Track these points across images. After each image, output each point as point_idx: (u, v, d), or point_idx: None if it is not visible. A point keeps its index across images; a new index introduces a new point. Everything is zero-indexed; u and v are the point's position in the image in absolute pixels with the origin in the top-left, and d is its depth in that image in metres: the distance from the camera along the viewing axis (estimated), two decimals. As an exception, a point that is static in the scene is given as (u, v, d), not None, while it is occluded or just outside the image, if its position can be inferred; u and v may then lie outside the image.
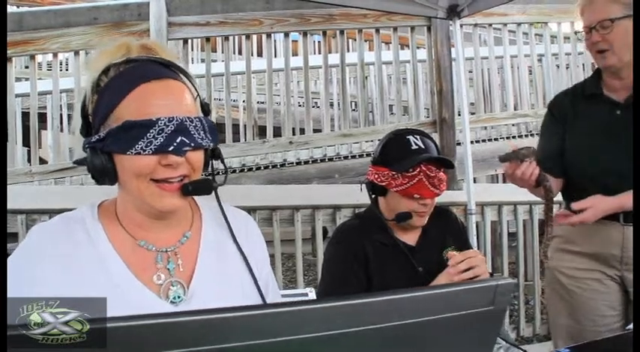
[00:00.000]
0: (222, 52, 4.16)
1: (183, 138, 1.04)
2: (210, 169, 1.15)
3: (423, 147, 1.76)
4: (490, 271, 2.23)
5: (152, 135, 1.02)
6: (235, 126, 4.52)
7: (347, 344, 0.55)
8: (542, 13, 5.00)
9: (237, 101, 5.93)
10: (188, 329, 0.55)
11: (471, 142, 4.62)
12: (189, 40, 4.39)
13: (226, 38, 4.06)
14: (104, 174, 1.06)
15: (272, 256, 3.72)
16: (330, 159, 4.33)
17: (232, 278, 1.17)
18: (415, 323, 0.56)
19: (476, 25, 4.73)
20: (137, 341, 0.57)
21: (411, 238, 1.85)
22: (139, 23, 3.69)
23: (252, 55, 5.90)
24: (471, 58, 4.92)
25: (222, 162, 1.17)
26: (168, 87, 1.08)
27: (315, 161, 4.32)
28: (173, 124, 1.03)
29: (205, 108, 1.15)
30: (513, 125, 5.19)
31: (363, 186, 1.89)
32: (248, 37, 4.13)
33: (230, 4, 3.92)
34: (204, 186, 1.10)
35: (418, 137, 1.79)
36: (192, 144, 1.05)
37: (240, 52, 5.91)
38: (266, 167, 4.19)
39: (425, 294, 0.59)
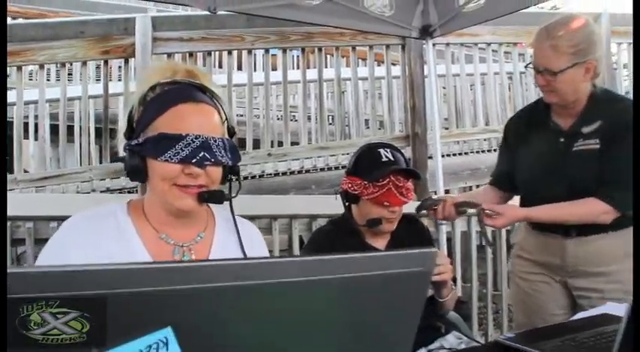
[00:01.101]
0: (205, 66, 4.29)
1: (205, 153, 1.23)
2: (228, 183, 1.35)
3: (392, 159, 1.94)
4: (457, 278, 2.40)
5: (180, 147, 1.22)
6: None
7: (303, 291, 0.69)
8: (512, 33, 5.22)
9: (233, 120, 6.04)
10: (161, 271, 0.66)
11: (444, 156, 4.83)
12: (173, 55, 4.52)
13: (209, 53, 4.20)
14: (137, 173, 1.27)
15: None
16: (307, 171, 4.48)
17: None
18: (358, 277, 0.71)
19: (448, 44, 4.93)
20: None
21: (380, 243, 2.01)
22: (124, 37, 3.82)
23: (233, 69, 6.08)
24: (443, 75, 5.11)
25: (238, 178, 1.36)
26: (202, 109, 1.28)
27: (292, 172, 4.46)
28: (199, 141, 1.23)
29: (231, 131, 1.36)
30: (485, 140, 5.39)
31: (338, 196, 2.04)
32: (230, 52, 4.28)
33: (213, 20, 4.06)
34: (217, 196, 1.30)
35: (388, 150, 1.97)
36: (213, 160, 1.25)
37: (220, 66, 6.03)
38: (245, 178, 4.31)
39: (366, 256, 0.75)
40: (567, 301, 2.11)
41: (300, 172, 4.48)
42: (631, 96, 6.53)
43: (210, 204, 1.37)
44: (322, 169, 4.58)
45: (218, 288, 0.64)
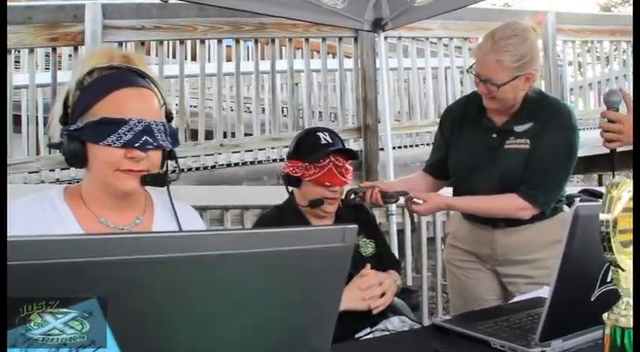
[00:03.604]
0: (157, 56, 4.26)
1: (148, 137, 1.25)
2: (165, 167, 1.36)
3: (331, 141, 2.00)
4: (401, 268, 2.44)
5: (123, 131, 1.22)
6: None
7: (230, 264, 0.72)
8: (462, 28, 5.33)
9: (170, 104, 5.99)
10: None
11: (395, 148, 4.91)
12: (124, 43, 4.46)
13: (161, 42, 4.17)
14: (76, 158, 1.26)
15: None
16: (260, 162, 4.49)
17: None
18: (282, 251, 0.74)
19: (400, 37, 5.00)
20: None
21: (324, 224, 2.06)
22: (74, 25, 3.76)
23: (186, 59, 6.02)
24: (395, 68, 5.19)
25: (177, 162, 1.37)
26: (142, 94, 1.29)
27: (244, 163, 4.47)
28: (142, 125, 1.24)
29: (169, 115, 1.36)
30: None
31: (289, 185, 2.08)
32: (182, 42, 4.25)
33: (165, 9, 4.04)
34: (159, 179, 1.31)
35: (327, 134, 2.03)
36: (155, 144, 1.26)
37: (175, 56, 5.98)
38: (197, 169, 4.30)
39: (289, 230, 0.79)
40: (498, 287, 2.20)
41: (252, 163, 4.49)
42: (574, 93, 6.75)
43: (149, 189, 1.38)
44: (275, 160, 4.60)
45: (148, 260, 0.66)
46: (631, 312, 0.90)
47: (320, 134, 2.02)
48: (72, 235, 0.76)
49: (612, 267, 0.91)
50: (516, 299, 1.83)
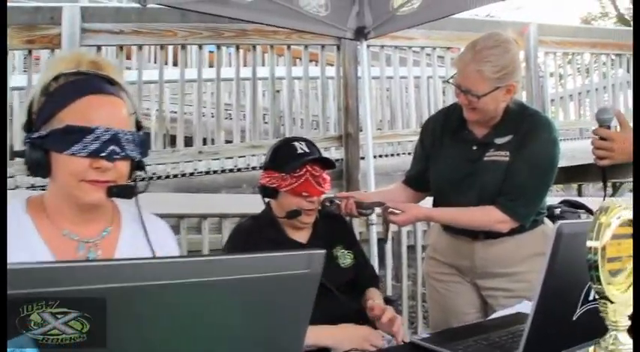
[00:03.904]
0: (136, 61, 4.20)
1: (115, 147, 1.20)
2: (134, 178, 1.31)
3: (307, 151, 1.96)
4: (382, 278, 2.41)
5: (89, 140, 1.17)
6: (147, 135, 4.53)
7: (194, 292, 0.69)
8: (445, 38, 5.32)
9: (149, 109, 5.93)
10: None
11: (377, 157, 4.88)
12: (103, 48, 4.39)
13: (140, 47, 4.10)
14: (39, 168, 1.20)
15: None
16: (239, 170, 4.42)
17: None
18: (246, 279, 0.70)
19: (382, 46, 4.98)
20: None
21: (302, 236, 2.02)
22: (51, 27, 3.68)
23: (166, 64, 5.96)
24: (377, 77, 5.16)
25: (146, 173, 1.33)
26: (110, 102, 1.24)
27: (223, 171, 4.40)
28: (109, 134, 1.19)
29: (139, 124, 1.32)
30: (417, 142, 5.46)
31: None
32: (162, 47, 4.19)
33: (145, 14, 3.97)
34: (126, 191, 1.26)
35: (303, 143, 2.00)
36: (122, 154, 1.21)
37: (155, 61, 5.92)
38: (175, 176, 4.23)
39: (253, 257, 0.75)
40: (478, 301, 2.18)
41: (232, 171, 4.42)
42: (555, 104, 6.79)
43: (116, 200, 1.33)
44: (254, 168, 4.53)
45: (97, 291, 0.63)
46: (619, 347, 0.86)
47: (296, 144, 1.99)
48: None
49: (600, 299, 0.86)
50: (496, 314, 1.80)
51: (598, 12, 20.54)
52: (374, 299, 1.95)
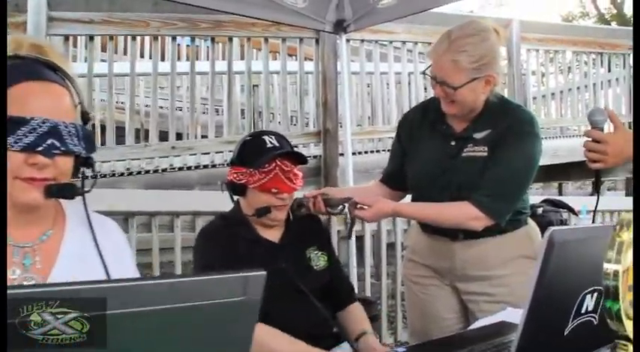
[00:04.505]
0: (106, 52, 4.04)
1: (54, 141, 1.07)
2: (80, 176, 1.18)
3: (277, 145, 1.84)
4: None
5: (23, 132, 1.04)
6: (121, 129, 4.39)
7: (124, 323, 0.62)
8: (427, 33, 5.23)
9: (124, 103, 5.77)
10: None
11: (357, 153, 4.79)
12: (72, 38, 4.22)
13: (111, 38, 3.94)
14: None
15: (150, 265, 3.64)
16: (214, 166, 4.29)
17: (91, 278, 1.17)
18: (178, 308, 0.62)
19: (362, 40, 4.87)
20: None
21: (274, 235, 1.91)
22: (15, 15, 3.50)
23: (142, 57, 5.80)
24: (357, 72, 5.06)
25: (93, 170, 1.19)
26: (50, 90, 1.11)
27: (197, 167, 4.27)
28: (47, 126, 1.06)
29: (85, 116, 1.18)
30: (398, 138, 5.38)
31: (226, 190, 1.92)
32: (134, 38, 4.04)
33: (116, 3, 3.86)
34: (67, 190, 1.13)
35: (273, 137, 1.87)
36: (63, 149, 1.08)
37: (125, 53, 5.76)
38: (147, 171, 4.08)
39: (179, 282, 0.64)
40: (458, 305, 2.08)
41: (206, 167, 4.28)
42: (537, 102, 6.78)
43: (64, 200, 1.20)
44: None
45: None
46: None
47: (266, 137, 1.86)
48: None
49: (618, 339, 0.67)
50: (479, 322, 1.70)
51: (578, 11, 20.71)
52: (365, 329, 1.86)
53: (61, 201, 1.22)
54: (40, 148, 1.06)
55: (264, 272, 0.65)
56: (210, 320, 0.63)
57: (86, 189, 1.17)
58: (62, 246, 1.20)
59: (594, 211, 2.03)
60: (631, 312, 0.62)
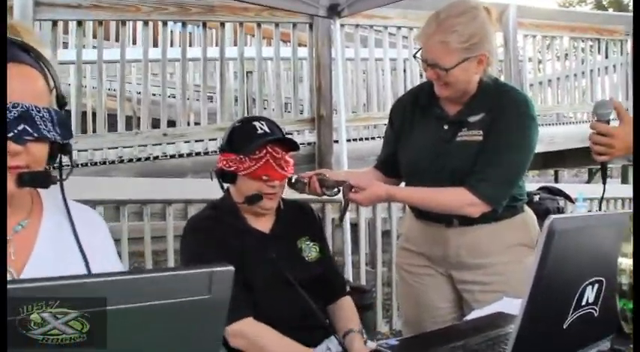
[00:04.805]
0: (95, 38, 3.97)
1: (26, 126, 1.00)
2: (57, 163, 1.12)
3: (268, 131, 1.79)
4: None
5: None
6: (113, 117, 4.33)
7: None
8: (422, 18, 5.15)
9: (116, 90, 5.70)
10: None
11: (351, 140, 4.74)
12: (63, 24, 4.15)
13: (100, 23, 3.87)
14: None
15: (142, 253, 3.59)
16: (207, 154, 4.24)
17: (68, 270, 1.12)
18: (142, 307, 0.59)
19: (357, 25, 4.81)
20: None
21: (265, 225, 1.86)
22: None
23: (134, 43, 5.72)
24: (351, 58, 5.00)
25: (71, 158, 1.12)
26: (22, 72, 1.04)
27: (190, 155, 4.21)
28: (17, 111, 0.99)
29: (61, 101, 1.11)
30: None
31: (215, 178, 1.87)
32: (124, 23, 3.96)
33: (106, -13, 3.75)
34: (40, 178, 1.07)
35: (264, 122, 1.82)
36: (36, 135, 1.02)
37: (117, 39, 5.67)
38: (139, 159, 4.02)
39: (138, 278, 0.60)
40: (453, 295, 2.02)
41: (198, 154, 4.23)
42: (533, 89, 6.73)
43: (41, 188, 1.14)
44: (224, 152, 4.34)
45: None
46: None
47: (256, 123, 1.80)
48: None
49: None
50: (474, 313, 1.65)
51: (576, -2, 20.63)
52: (352, 328, 1.81)
53: (40, 190, 1.17)
54: (11, 134, 0.99)
55: (231, 268, 0.59)
56: (171, 320, 0.59)
57: (64, 177, 1.11)
58: (38, 237, 1.14)
59: (600, 200, 1.99)
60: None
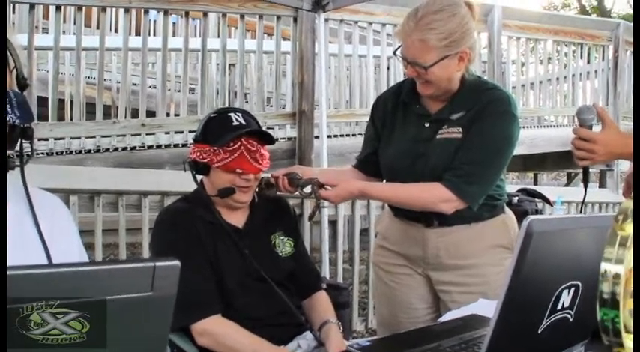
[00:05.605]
0: (75, 24, 3.88)
1: None
2: (19, 148, 1.07)
3: (244, 123, 1.75)
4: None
5: None
6: (92, 105, 4.25)
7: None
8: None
9: (96, 78, 5.61)
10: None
11: (332, 136, 4.71)
12: (44, 8, 4.06)
13: (79, 8, 3.78)
14: None
15: (117, 245, 3.53)
16: (185, 145, 4.17)
17: (28, 259, 1.08)
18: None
19: (342, 20, 4.77)
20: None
21: (238, 219, 1.83)
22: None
23: (116, 32, 5.63)
24: (335, 54, 4.97)
25: (32, 142, 1.08)
26: None
27: (168, 146, 4.15)
28: None
29: (21, 82, 1.06)
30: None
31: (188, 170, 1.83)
32: (104, 9, 3.88)
33: (86, -28, 3.68)
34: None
35: (240, 114, 1.78)
36: None
37: (98, 27, 5.58)
38: (115, 149, 3.95)
39: (77, 271, 0.59)
40: (430, 295, 2.00)
41: (177, 146, 4.17)
42: (516, 91, 6.76)
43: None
44: (203, 144, 4.28)
45: None
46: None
47: (232, 114, 1.77)
48: None
49: None
50: (449, 315, 1.63)
51: (560, 2, 20.79)
52: (328, 319, 1.78)
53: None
54: None
55: (177, 263, 0.55)
56: (111, 317, 0.57)
57: (18, 163, 1.05)
58: None
59: (582, 203, 1.99)
60: (631, 324, 0.49)
